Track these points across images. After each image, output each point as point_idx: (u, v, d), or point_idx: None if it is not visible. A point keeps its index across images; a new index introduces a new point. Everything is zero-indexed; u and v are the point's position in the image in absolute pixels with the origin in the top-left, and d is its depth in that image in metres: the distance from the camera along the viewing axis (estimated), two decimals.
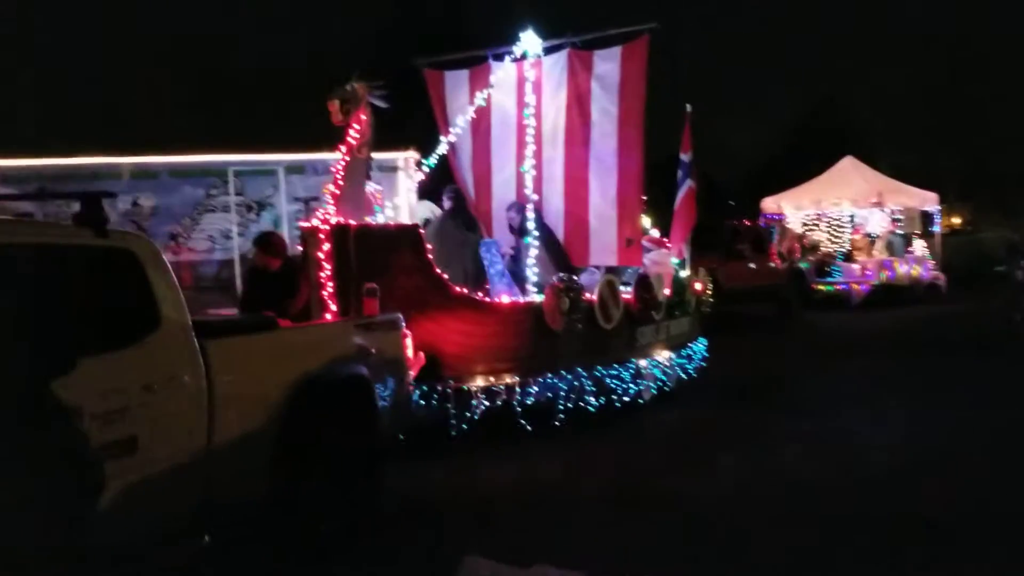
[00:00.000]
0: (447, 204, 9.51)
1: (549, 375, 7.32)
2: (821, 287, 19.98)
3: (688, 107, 10.54)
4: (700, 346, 10.36)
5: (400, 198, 11.99)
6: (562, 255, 8.77)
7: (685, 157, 10.43)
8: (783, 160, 35.30)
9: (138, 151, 11.96)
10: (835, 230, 23.39)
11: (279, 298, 6.50)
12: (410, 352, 5.87)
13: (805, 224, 22.94)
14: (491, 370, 7.06)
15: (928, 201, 22.47)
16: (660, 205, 10.70)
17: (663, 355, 9.01)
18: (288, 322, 6.13)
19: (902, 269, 20.54)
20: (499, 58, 9.41)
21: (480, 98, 9.30)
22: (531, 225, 8.11)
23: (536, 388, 7.21)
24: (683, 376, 9.42)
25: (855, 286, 19.75)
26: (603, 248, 8.98)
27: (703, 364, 10.16)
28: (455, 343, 6.93)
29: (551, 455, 6.91)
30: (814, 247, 21.77)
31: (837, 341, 14.23)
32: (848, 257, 21.15)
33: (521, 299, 7.50)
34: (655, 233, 10.26)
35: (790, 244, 19.87)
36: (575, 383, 7.51)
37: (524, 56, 9.11)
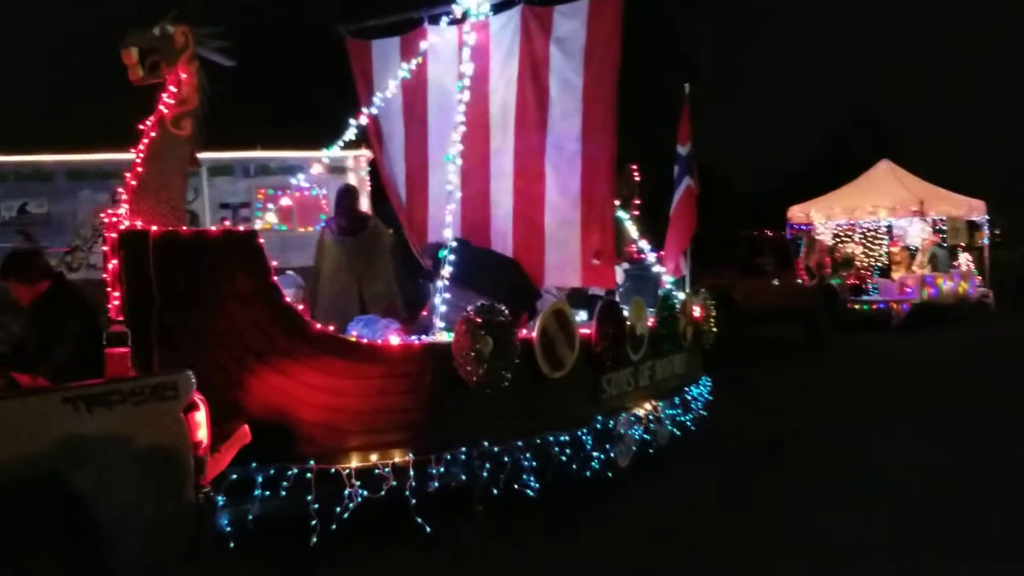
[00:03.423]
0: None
1: (462, 448, 5.07)
2: (856, 306, 17.92)
3: (687, 87, 8.59)
4: (702, 388, 8.20)
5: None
6: (503, 278, 6.46)
7: (682, 150, 8.57)
8: (814, 165, 32.91)
9: (27, 148, 10.12)
10: (870, 242, 21.29)
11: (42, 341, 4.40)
12: (203, 432, 3.70)
13: (836, 235, 20.87)
14: (372, 444, 4.81)
15: (975, 210, 20.58)
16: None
17: (645, 406, 6.81)
18: (30, 379, 4.05)
19: (946, 286, 18.54)
20: (436, 20, 7.33)
21: (406, 69, 7.17)
22: (448, 233, 5.83)
23: (441, 469, 4.95)
24: (675, 432, 7.23)
25: (894, 305, 17.72)
26: (562, 263, 6.72)
27: (704, 413, 7.97)
28: (318, 406, 4.67)
29: (459, 567, 4.72)
30: (847, 261, 19.47)
31: (877, 373, 11.85)
32: (885, 272, 19.16)
33: (419, 339, 5.20)
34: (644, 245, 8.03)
35: (820, 258, 17.49)
36: (503, 458, 5.25)
37: (466, 16, 7.04)
